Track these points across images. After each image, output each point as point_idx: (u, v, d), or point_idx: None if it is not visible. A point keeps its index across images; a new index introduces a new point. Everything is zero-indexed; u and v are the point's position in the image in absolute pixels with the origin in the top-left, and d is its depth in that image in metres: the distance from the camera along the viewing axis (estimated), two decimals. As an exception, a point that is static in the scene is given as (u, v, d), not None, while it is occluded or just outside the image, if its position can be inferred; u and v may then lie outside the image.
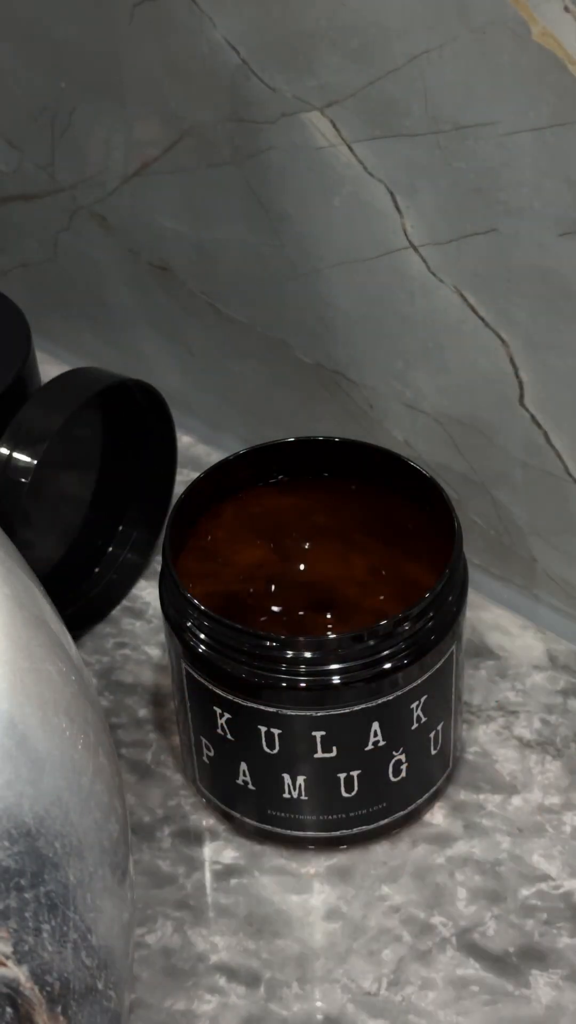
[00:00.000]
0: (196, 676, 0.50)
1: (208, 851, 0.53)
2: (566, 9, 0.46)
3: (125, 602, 0.63)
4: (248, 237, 0.61)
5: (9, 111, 0.67)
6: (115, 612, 0.62)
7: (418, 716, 0.50)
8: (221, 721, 0.50)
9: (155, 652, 0.61)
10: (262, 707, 0.48)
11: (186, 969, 0.50)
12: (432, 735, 0.51)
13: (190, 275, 0.65)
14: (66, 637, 0.40)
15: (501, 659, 0.59)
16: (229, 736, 0.50)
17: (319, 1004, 0.49)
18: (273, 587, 0.53)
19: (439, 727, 0.51)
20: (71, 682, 0.38)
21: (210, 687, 0.49)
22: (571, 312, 0.51)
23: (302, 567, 0.53)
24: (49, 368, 0.75)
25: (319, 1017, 0.49)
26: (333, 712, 0.48)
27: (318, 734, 0.49)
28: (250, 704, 0.48)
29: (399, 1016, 0.48)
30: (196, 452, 0.69)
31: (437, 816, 0.54)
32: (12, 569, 0.39)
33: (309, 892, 0.52)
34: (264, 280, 0.61)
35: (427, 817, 0.54)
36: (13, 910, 0.33)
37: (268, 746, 0.49)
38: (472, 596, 0.61)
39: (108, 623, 0.62)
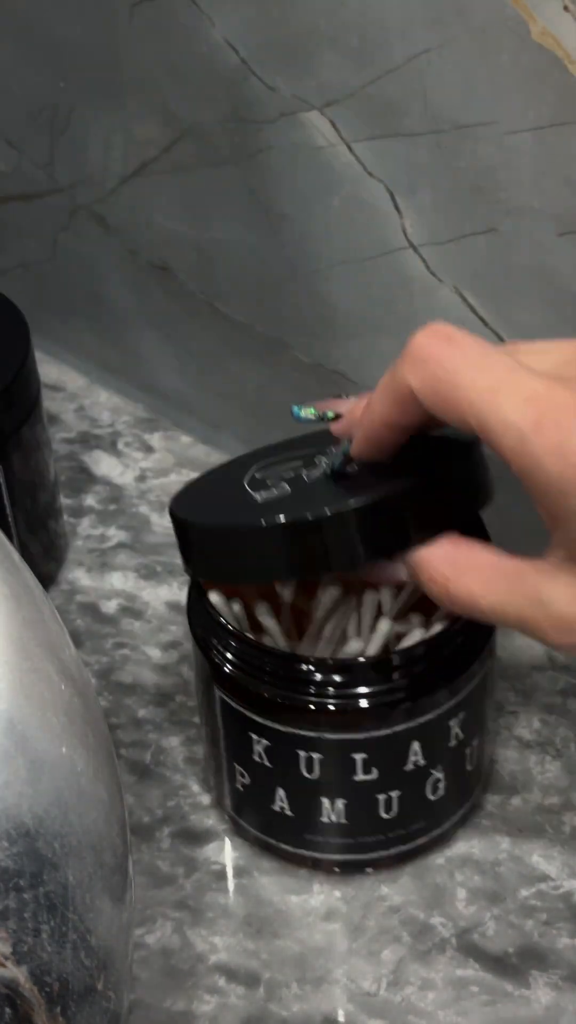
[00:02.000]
0: (231, 703, 0.49)
1: (207, 851, 0.53)
2: (565, 8, 0.46)
3: (124, 602, 0.63)
4: (248, 237, 0.61)
5: (9, 111, 0.67)
6: (114, 612, 0.62)
7: (456, 733, 0.49)
8: (258, 748, 0.49)
9: (154, 652, 0.60)
10: (302, 732, 0.48)
11: (185, 969, 0.50)
12: (468, 751, 0.51)
13: (190, 275, 0.65)
14: (66, 637, 0.40)
15: (501, 659, 0.59)
16: (266, 762, 0.49)
17: (318, 1005, 0.49)
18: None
19: (474, 743, 0.51)
20: (71, 682, 0.38)
21: (246, 713, 0.49)
22: (570, 312, 0.51)
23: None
24: (49, 368, 0.75)
25: (318, 1017, 0.49)
26: (375, 734, 0.48)
27: (358, 756, 0.48)
28: (289, 729, 0.48)
29: (399, 1016, 0.48)
30: (196, 452, 0.69)
31: (437, 816, 0.54)
32: (12, 569, 0.38)
33: (308, 892, 0.52)
34: (264, 280, 0.61)
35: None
36: (12, 911, 0.33)
37: (307, 771, 0.49)
38: (472, 596, 0.61)
39: (108, 623, 0.62)
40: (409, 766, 0.49)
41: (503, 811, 0.54)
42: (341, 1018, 0.48)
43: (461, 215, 0.52)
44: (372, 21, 0.50)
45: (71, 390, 0.74)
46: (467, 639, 0.49)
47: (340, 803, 0.49)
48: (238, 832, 0.53)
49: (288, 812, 0.50)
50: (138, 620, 0.62)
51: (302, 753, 0.48)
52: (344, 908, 0.51)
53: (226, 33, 0.55)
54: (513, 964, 0.50)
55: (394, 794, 0.49)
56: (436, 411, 0.40)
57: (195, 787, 0.55)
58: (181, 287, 0.65)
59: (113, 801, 0.39)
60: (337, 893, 0.52)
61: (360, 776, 0.49)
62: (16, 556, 0.40)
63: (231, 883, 0.52)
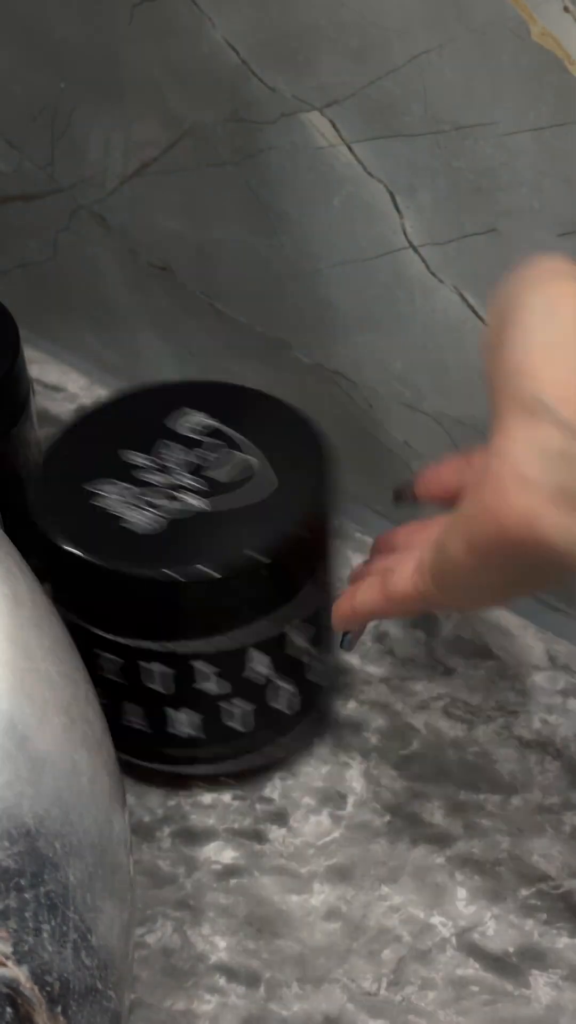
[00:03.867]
0: (76, 621, 0.50)
1: (208, 851, 0.53)
2: (565, 9, 0.46)
3: (125, 602, 0.63)
4: (248, 237, 0.61)
5: (9, 111, 0.67)
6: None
7: (296, 644, 0.51)
8: (106, 664, 0.50)
9: (155, 652, 0.61)
10: (150, 647, 0.49)
11: (186, 969, 0.50)
12: (309, 661, 0.52)
13: (190, 275, 0.65)
14: (66, 637, 0.40)
15: (501, 659, 0.59)
16: (116, 679, 0.50)
17: (319, 1004, 0.49)
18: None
19: (316, 654, 0.53)
20: (71, 682, 0.38)
21: (93, 631, 0.50)
22: (571, 312, 0.51)
23: None
24: (49, 368, 0.75)
25: (319, 1017, 0.49)
26: (221, 648, 0.49)
27: (208, 669, 0.50)
28: (138, 644, 0.49)
29: (399, 1016, 0.48)
30: (196, 452, 0.69)
31: (436, 816, 0.54)
32: (12, 569, 0.39)
33: (309, 892, 0.52)
34: (264, 280, 0.61)
35: (426, 816, 0.54)
36: (13, 910, 0.33)
37: (157, 685, 0.50)
38: (472, 596, 0.61)
39: (108, 623, 0.62)
40: (253, 675, 0.50)
41: (503, 811, 0.54)
42: (341, 1018, 0.48)
43: (461, 215, 0.52)
44: (372, 21, 0.50)
45: (71, 390, 0.74)
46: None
47: (193, 716, 0.51)
48: None
49: (141, 728, 0.52)
50: (138, 620, 0.62)
51: (150, 667, 0.50)
52: (344, 908, 0.52)
53: (226, 33, 0.55)
54: (513, 964, 0.50)
55: (241, 704, 0.51)
56: None
57: (196, 786, 0.55)
58: (181, 287, 0.65)
59: (114, 801, 0.39)
60: (337, 892, 0.52)
61: (210, 688, 0.50)
62: (17, 556, 0.40)
63: (231, 882, 0.52)
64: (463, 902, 0.51)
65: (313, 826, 0.54)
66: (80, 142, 0.65)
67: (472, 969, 0.49)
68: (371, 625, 0.59)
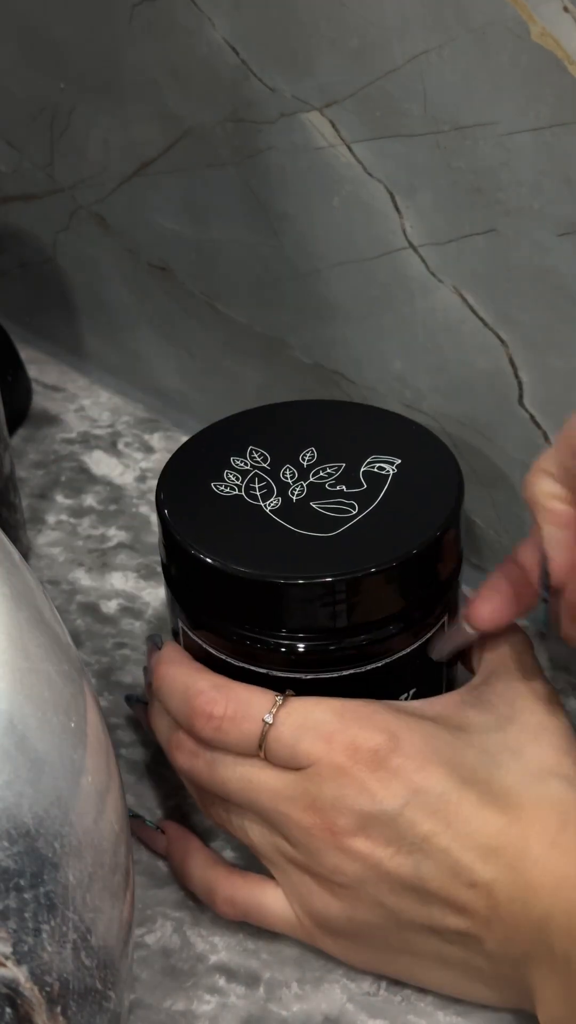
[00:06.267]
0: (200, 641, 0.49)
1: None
2: (565, 9, 0.46)
3: (125, 602, 0.63)
4: (248, 237, 0.61)
5: (9, 111, 0.67)
6: (115, 612, 0.62)
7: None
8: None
9: (155, 652, 0.60)
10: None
11: (185, 969, 0.50)
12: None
13: (190, 275, 0.65)
14: (66, 637, 0.40)
15: (501, 659, 0.59)
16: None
17: (318, 1004, 0.49)
18: None
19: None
20: (71, 682, 0.38)
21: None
22: (570, 312, 0.51)
23: None
24: (48, 368, 0.75)
25: (318, 1017, 0.49)
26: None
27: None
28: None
29: (398, 1016, 0.48)
30: (196, 452, 0.69)
31: (437, 816, 0.54)
32: (12, 569, 0.39)
33: (309, 892, 0.52)
34: (264, 280, 0.61)
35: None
36: (12, 910, 0.33)
37: None
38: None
39: (108, 623, 0.62)
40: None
41: (503, 811, 0.54)
42: (341, 1018, 0.48)
43: (461, 215, 0.52)
44: (372, 22, 0.50)
45: (71, 390, 0.74)
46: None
47: None
48: None
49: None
50: (138, 620, 0.62)
51: None
52: (344, 908, 0.52)
53: (226, 33, 0.55)
54: (513, 964, 0.49)
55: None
56: None
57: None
58: (181, 287, 0.65)
59: (114, 801, 0.39)
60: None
61: None
62: (17, 556, 0.40)
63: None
64: (463, 902, 0.51)
65: (313, 826, 0.54)
66: (80, 142, 0.65)
67: (472, 969, 0.49)
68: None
